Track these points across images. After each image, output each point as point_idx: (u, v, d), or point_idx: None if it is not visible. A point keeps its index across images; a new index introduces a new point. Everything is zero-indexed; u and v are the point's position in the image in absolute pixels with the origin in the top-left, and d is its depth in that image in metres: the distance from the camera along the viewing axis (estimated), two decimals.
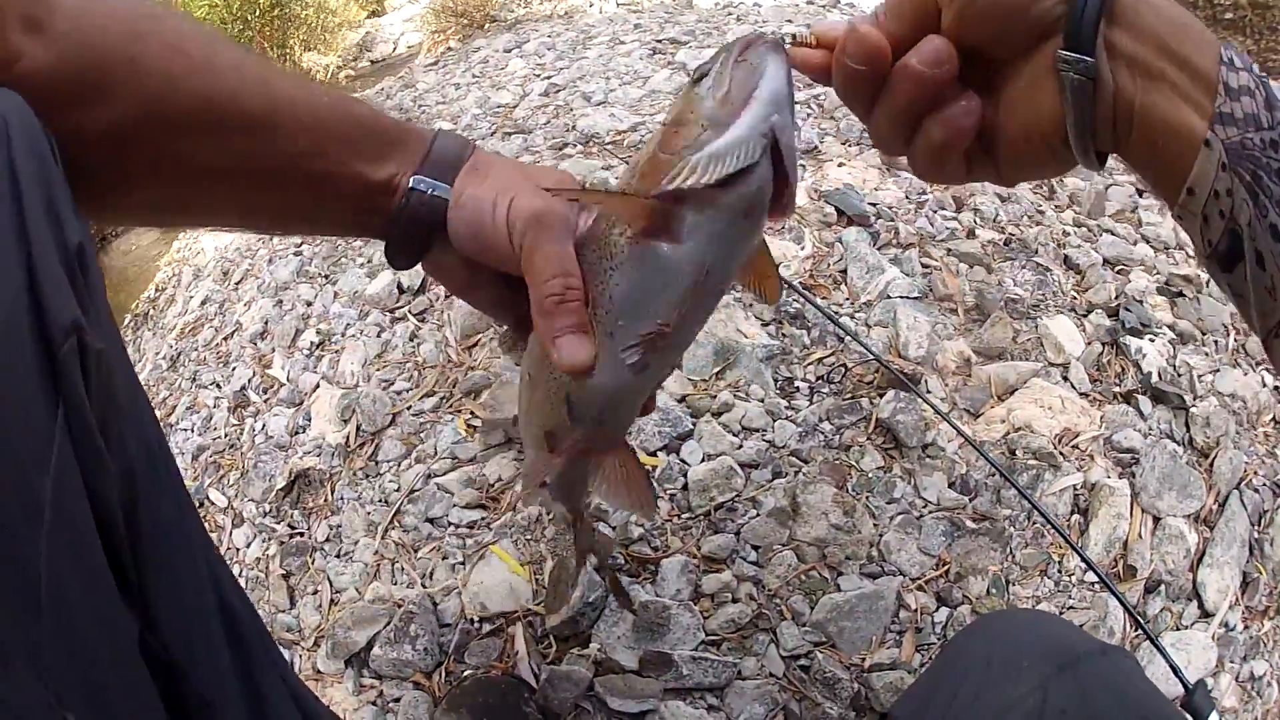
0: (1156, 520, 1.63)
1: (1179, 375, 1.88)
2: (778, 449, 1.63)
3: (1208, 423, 1.79)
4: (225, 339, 2.43)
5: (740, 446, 1.64)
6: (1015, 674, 0.90)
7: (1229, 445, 1.76)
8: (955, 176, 0.73)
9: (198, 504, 2.01)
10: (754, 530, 1.54)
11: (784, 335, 1.82)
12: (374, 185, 0.83)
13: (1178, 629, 1.54)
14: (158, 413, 2.26)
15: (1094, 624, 1.49)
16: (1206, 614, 1.57)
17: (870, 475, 1.61)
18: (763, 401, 1.71)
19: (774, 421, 1.67)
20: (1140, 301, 2.03)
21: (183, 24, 0.76)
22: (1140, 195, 2.42)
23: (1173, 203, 0.62)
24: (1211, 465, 1.74)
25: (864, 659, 1.43)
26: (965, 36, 0.64)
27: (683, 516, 1.56)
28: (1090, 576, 1.54)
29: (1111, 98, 0.61)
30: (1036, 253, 2.10)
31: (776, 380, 1.76)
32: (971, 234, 2.14)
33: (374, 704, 1.47)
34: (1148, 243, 2.27)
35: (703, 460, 1.61)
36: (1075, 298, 2.04)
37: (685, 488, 1.59)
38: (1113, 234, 2.26)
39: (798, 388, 1.75)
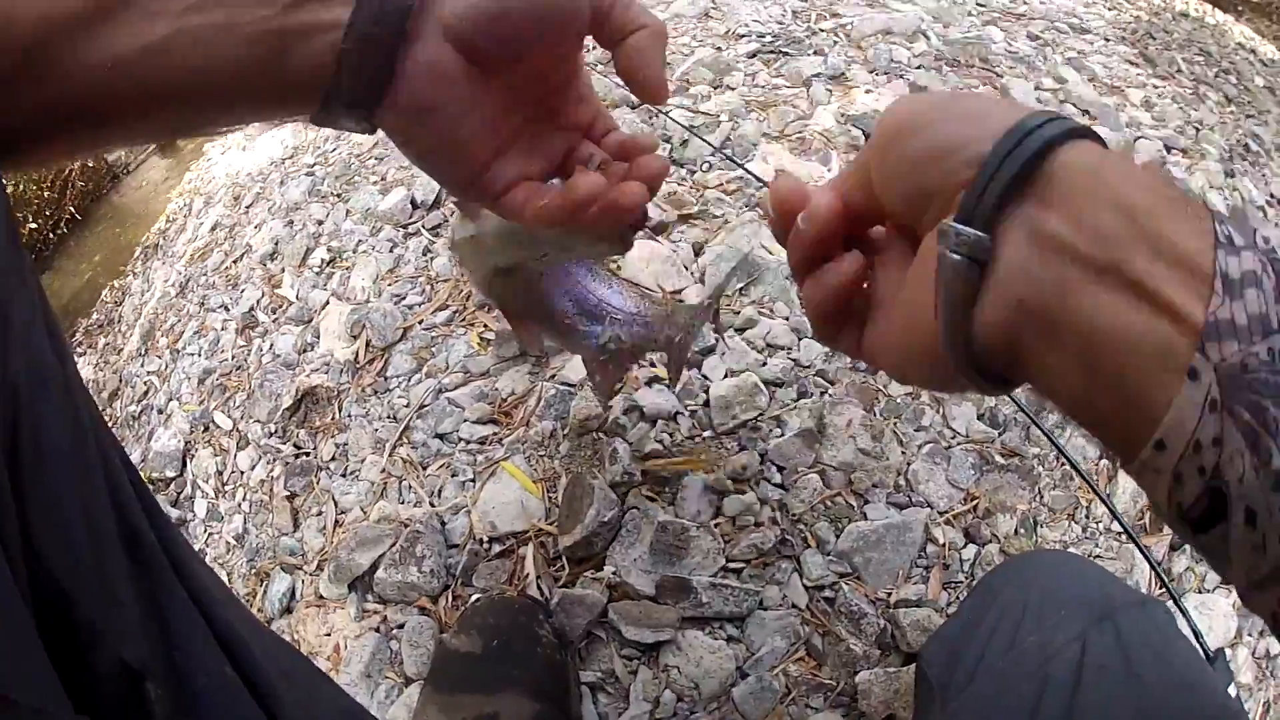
0: None
1: None
2: (803, 368, 1.53)
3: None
4: (234, 262, 2.34)
5: (765, 364, 1.53)
6: (1053, 622, 0.85)
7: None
8: (846, 347, 0.63)
9: (203, 428, 1.93)
10: (779, 451, 1.43)
11: None
12: (290, 5, 0.61)
13: (1200, 592, 1.45)
14: (165, 339, 2.19)
15: (1120, 576, 1.38)
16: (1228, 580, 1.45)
17: (898, 400, 1.50)
18: (787, 319, 1.61)
19: (799, 340, 1.57)
20: None
21: None
22: (1169, 151, 2.33)
23: (1128, 457, 0.42)
24: None
25: (890, 593, 1.33)
26: (887, 203, 0.55)
27: (705, 435, 1.45)
28: (1118, 526, 1.45)
29: (1017, 294, 0.45)
30: None
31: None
32: None
33: (377, 630, 1.39)
34: None
35: (726, 376, 1.51)
36: None
37: (707, 404, 1.49)
38: None
39: None
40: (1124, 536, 1.45)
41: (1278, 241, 0.39)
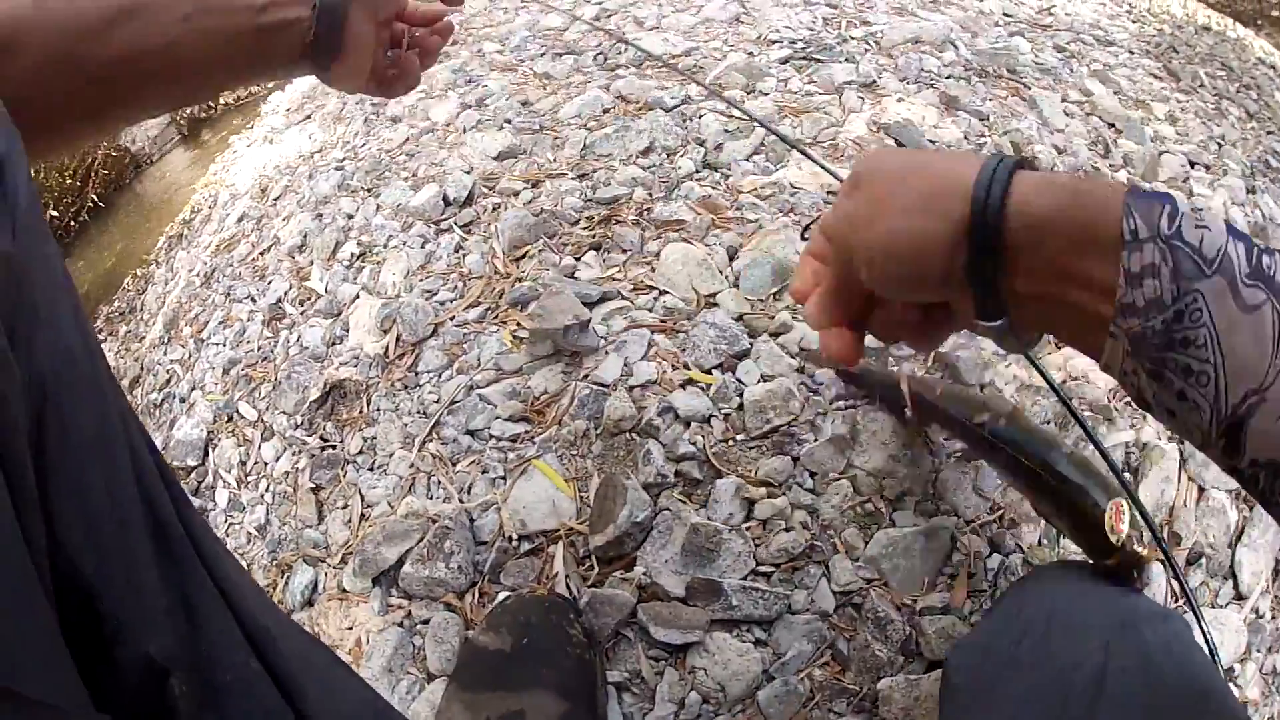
0: (1201, 490, 1.53)
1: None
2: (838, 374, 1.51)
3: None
4: (262, 253, 2.33)
5: (800, 369, 1.53)
6: (1076, 632, 0.89)
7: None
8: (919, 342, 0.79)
9: (227, 418, 1.93)
10: (811, 456, 1.43)
11: None
12: (263, 8, 0.94)
13: (1213, 606, 1.44)
14: (189, 328, 2.19)
15: (1140, 585, 1.38)
16: (1240, 596, 1.47)
17: None
18: None
19: None
20: None
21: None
22: (1193, 167, 2.32)
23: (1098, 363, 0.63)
24: None
25: (915, 600, 1.32)
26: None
27: (738, 438, 1.45)
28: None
29: (1020, 324, 0.66)
30: None
31: None
32: None
33: (401, 625, 1.39)
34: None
35: (760, 381, 1.51)
36: None
37: (741, 408, 1.48)
38: None
39: None
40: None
41: (1184, 220, 0.56)
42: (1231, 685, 1.39)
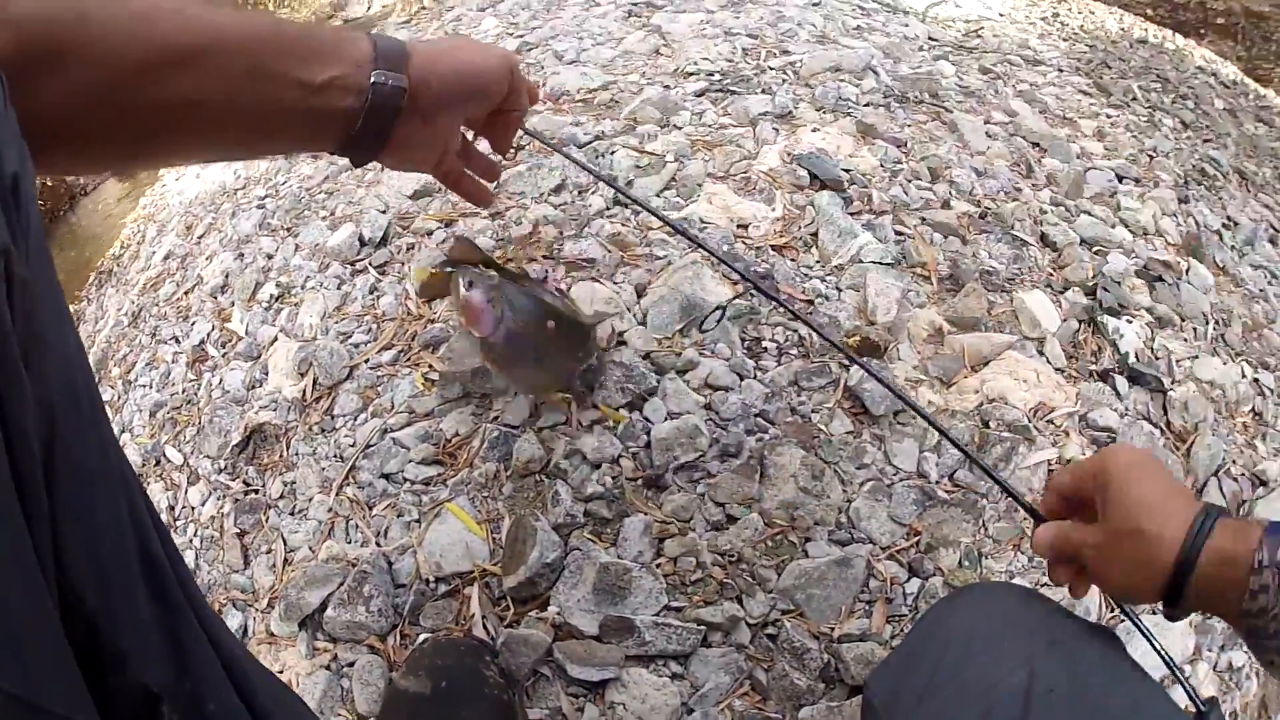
0: None
1: (1157, 358, 1.83)
2: (744, 409, 1.56)
3: (1186, 408, 1.75)
4: (186, 293, 2.34)
5: (706, 405, 1.56)
6: (998, 650, 0.90)
7: (1207, 432, 1.71)
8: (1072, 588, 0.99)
9: (154, 462, 1.94)
10: (720, 491, 1.47)
11: (751, 295, 1.74)
12: (317, 88, 0.90)
13: (1154, 613, 1.47)
14: (117, 369, 2.20)
15: (1069, 604, 1.42)
16: None
17: (837, 440, 1.54)
18: (728, 360, 1.63)
19: (740, 381, 1.60)
20: (1118, 283, 1.98)
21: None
22: (1120, 181, 2.38)
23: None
24: (1189, 450, 1.70)
25: (833, 629, 1.37)
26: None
27: (644, 475, 1.48)
28: None
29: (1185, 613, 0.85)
30: (1013, 227, 2.04)
31: (744, 340, 1.68)
32: (946, 205, 2.08)
33: (328, 668, 1.41)
34: (1126, 226, 2.22)
35: (666, 418, 1.54)
36: (1052, 274, 1.98)
37: (648, 445, 1.51)
38: (1090, 215, 2.20)
39: (765, 348, 1.68)
40: None
41: None
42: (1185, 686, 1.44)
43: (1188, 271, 2.13)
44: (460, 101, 1.06)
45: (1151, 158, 2.59)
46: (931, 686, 0.92)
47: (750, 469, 1.47)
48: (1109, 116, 2.79)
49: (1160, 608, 0.85)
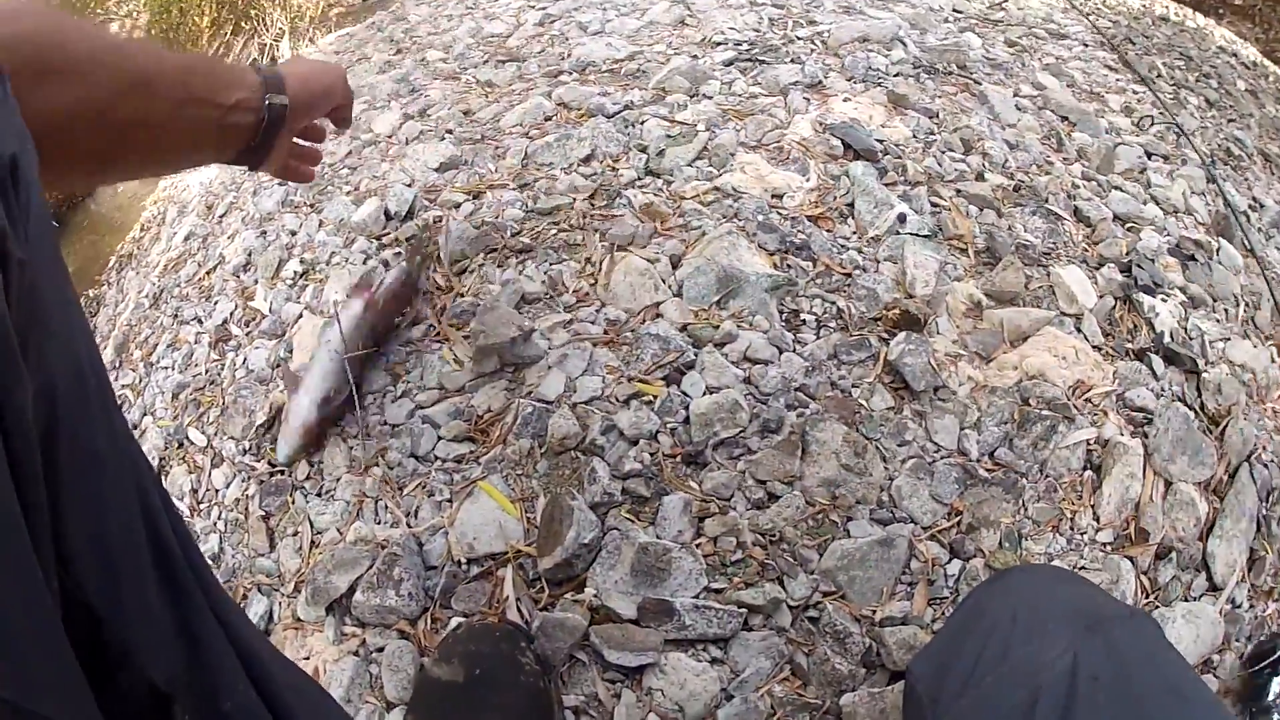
0: (1168, 485, 1.52)
1: (1190, 339, 1.77)
2: (784, 383, 1.50)
3: (1219, 390, 1.69)
4: (208, 273, 2.29)
5: (746, 379, 1.50)
6: (1042, 634, 0.87)
7: (1239, 416, 1.65)
8: None
9: (177, 444, 1.89)
10: (761, 468, 1.40)
11: (789, 266, 1.69)
12: (230, 108, 1.07)
13: (1186, 599, 1.44)
14: (139, 352, 2.15)
15: (1106, 587, 1.39)
16: (1215, 587, 1.47)
17: (878, 416, 1.48)
18: (767, 333, 1.57)
19: (779, 354, 1.54)
20: (1152, 260, 1.92)
21: (84, 20, 1.02)
22: (1149, 157, 2.32)
23: None
24: (1223, 434, 1.63)
25: (875, 611, 1.31)
26: None
27: (683, 452, 1.42)
28: (1103, 537, 1.45)
29: None
30: (1047, 201, 1.99)
31: (782, 312, 1.63)
32: (980, 176, 2.02)
33: (356, 654, 1.36)
34: (1157, 203, 2.15)
35: (705, 393, 1.48)
36: (1087, 249, 1.92)
37: (687, 421, 1.45)
38: (1122, 190, 2.14)
39: (804, 321, 1.62)
40: (1109, 547, 1.43)
41: None
42: (1211, 677, 1.39)
43: (1218, 251, 2.08)
44: (314, 111, 1.28)
45: (1179, 135, 2.52)
46: (976, 672, 0.88)
47: (791, 445, 1.41)
48: (1135, 93, 2.72)
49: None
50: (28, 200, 0.55)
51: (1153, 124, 2.52)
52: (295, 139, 1.34)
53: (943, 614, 1.32)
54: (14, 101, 0.58)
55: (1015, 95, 2.39)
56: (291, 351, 1.82)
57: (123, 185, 4.22)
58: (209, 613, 0.67)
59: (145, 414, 2.06)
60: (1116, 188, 2.15)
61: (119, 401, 2.15)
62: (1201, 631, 1.40)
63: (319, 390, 1.55)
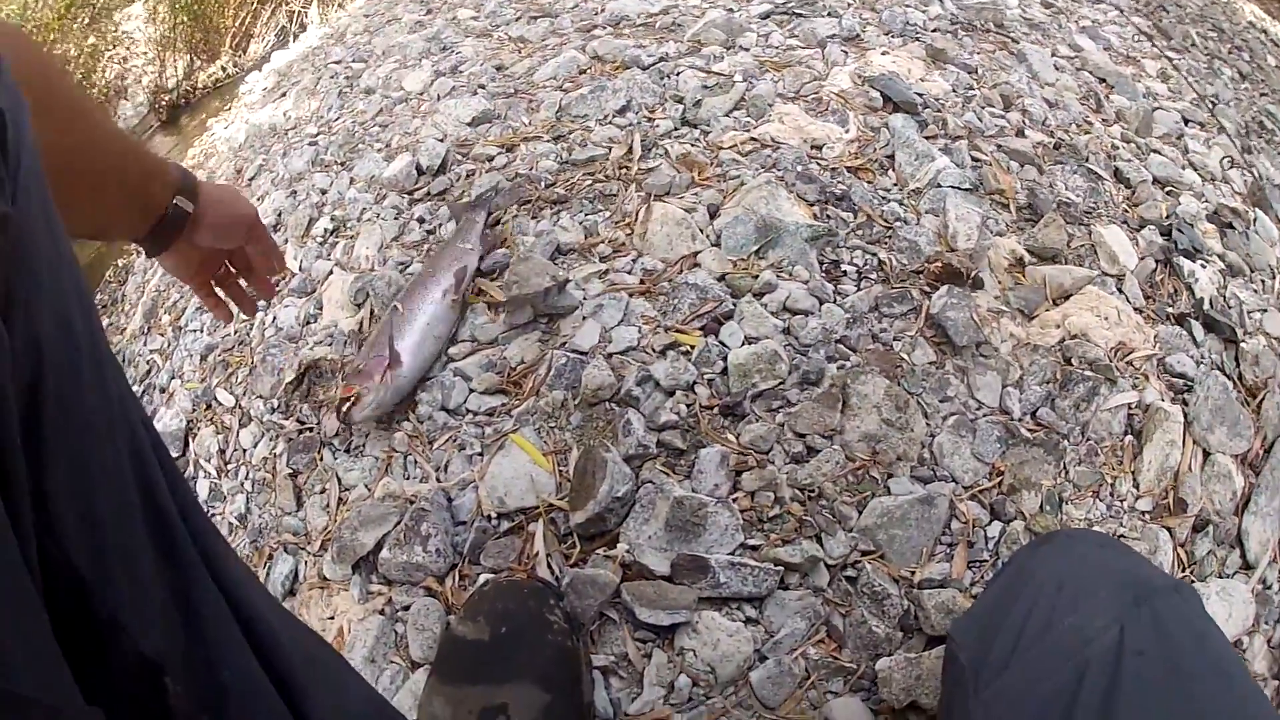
0: (1206, 455, 1.47)
1: (1229, 307, 1.71)
2: (825, 334, 1.44)
3: (1257, 361, 1.63)
4: None
5: (785, 330, 1.45)
6: (1088, 604, 0.84)
7: (1276, 389, 1.59)
8: None
9: (205, 406, 1.86)
10: (800, 421, 1.35)
11: (829, 216, 1.64)
12: (148, 197, 1.08)
13: (1221, 576, 1.39)
14: (167, 317, 2.12)
15: (1147, 555, 1.35)
16: (1248, 565, 1.42)
17: (920, 370, 1.43)
18: (807, 284, 1.52)
19: (820, 305, 1.49)
20: (1191, 225, 1.86)
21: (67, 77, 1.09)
22: (1186, 124, 2.26)
23: None
24: (1259, 406, 1.57)
25: (913, 572, 1.25)
26: None
27: (720, 403, 1.37)
28: (1142, 505, 1.40)
29: None
30: (1087, 160, 1.93)
31: (822, 263, 1.58)
32: (1020, 133, 1.97)
33: (381, 613, 1.32)
34: (1195, 170, 2.09)
35: (744, 343, 1.43)
36: (1127, 211, 1.86)
37: (724, 373, 1.40)
38: (1160, 155, 2.08)
39: (844, 272, 1.57)
40: (1148, 516, 1.39)
41: None
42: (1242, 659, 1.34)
43: (1255, 222, 2.02)
44: (222, 235, 1.24)
45: (1214, 104, 2.46)
46: (1020, 643, 0.85)
47: (832, 398, 1.36)
48: (1170, 59, 2.64)
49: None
50: (18, 156, 0.52)
51: (1189, 93, 2.44)
52: (227, 263, 1.36)
53: (982, 578, 1.27)
54: (6, 63, 0.56)
55: (1053, 55, 2.33)
56: (322, 308, 1.78)
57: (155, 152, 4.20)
58: (209, 581, 0.63)
59: (173, 378, 2.03)
60: (1155, 151, 2.09)
61: (148, 366, 2.13)
62: (1234, 610, 1.35)
63: (420, 374, 1.50)
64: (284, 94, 3.05)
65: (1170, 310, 1.67)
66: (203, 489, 1.72)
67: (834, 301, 1.50)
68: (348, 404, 1.46)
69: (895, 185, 1.76)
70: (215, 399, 1.84)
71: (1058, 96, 2.15)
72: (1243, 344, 1.64)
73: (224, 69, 4.28)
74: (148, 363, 2.19)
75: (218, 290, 1.38)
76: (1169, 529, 1.37)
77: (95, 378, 0.57)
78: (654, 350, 1.43)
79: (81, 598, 0.52)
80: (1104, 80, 2.31)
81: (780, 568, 1.22)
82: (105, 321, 2.78)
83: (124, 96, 4.47)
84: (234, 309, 1.41)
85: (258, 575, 1.48)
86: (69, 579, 0.51)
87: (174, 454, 1.81)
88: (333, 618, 1.36)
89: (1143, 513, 1.39)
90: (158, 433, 0.65)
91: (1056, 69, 2.27)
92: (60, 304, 0.55)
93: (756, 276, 1.52)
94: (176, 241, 1.17)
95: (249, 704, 0.63)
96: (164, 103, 4.19)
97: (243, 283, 1.39)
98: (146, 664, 0.55)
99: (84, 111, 0.93)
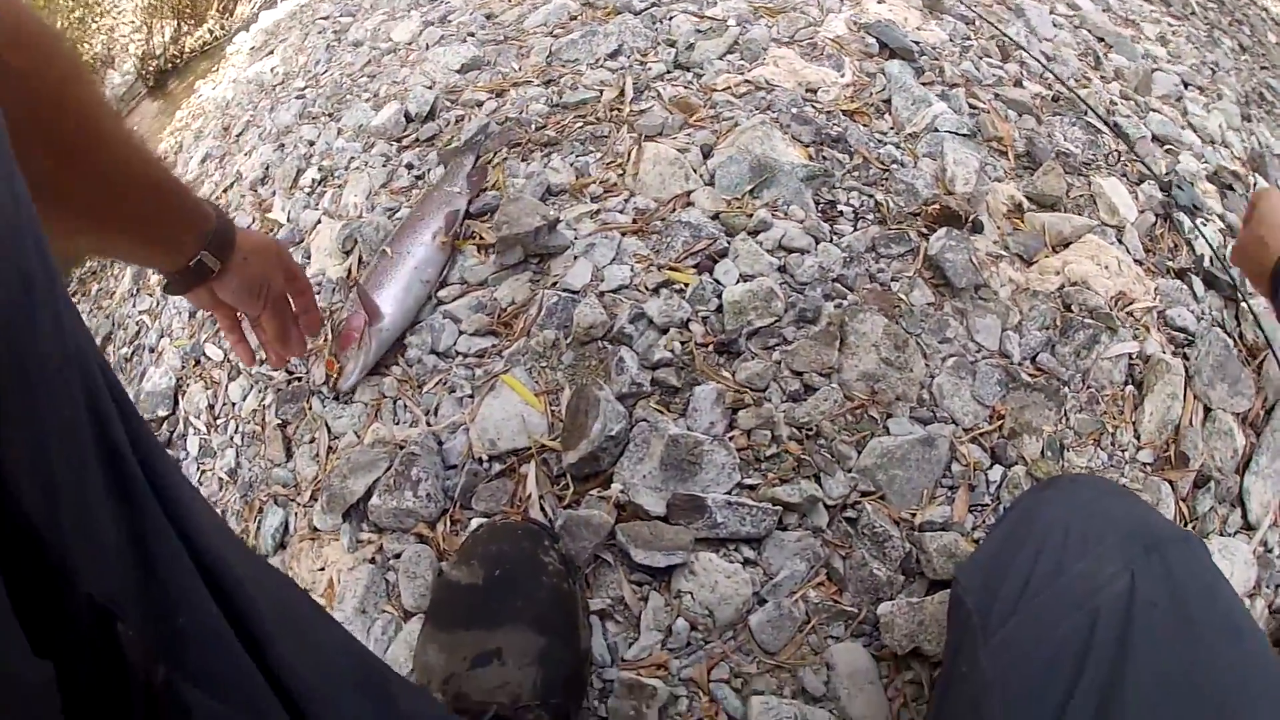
0: (1207, 411, 1.44)
1: (1229, 266, 1.67)
2: (822, 273, 1.41)
3: (1258, 322, 1.60)
4: (224, 190, 2.21)
5: (781, 268, 1.41)
6: (1097, 551, 0.84)
7: (1277, 349, 1.54)
8: None
9: (194, 362, 1.82)
10: (797, 359, 1.31)
11: (824, 158, 1.61)
12: (177, 243, 1.05)
13: (1222, 534, 1.37)
14: (155, 276, 2.11)
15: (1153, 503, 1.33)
16: (1249, 525, 1.39)
17: (919, 311, 1.40)
18: (803, 223, 1.48)
19: (816, 244, 1.45)
20: (1191, 184, 1.83)
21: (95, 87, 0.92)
22: (1186, 87, 2.23)
23: None
24: (1260, 367, 1.55)
25: (914, 514, 1.22)
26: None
27: (715, 341, 1.34)
28: (1144, 456, 1.37)
29: None
30: (1086, 113, 1.90)
31: (818, 203, 1.55)
32: (1019, 84, 1.95)
33: (372, 561, 1.28)
34: (1194, 130, 2.07)
35: (739, 280, 1.39)
36: (1127, 165, 1.83)
37: (719, 310, 1.36)
38: (1159, 114, 2.06)
39: (841, 212, 1.54)
40: (1149, 468, 1.36)
41: None
42: None
43: (1254, 185, 2.00)
44: (239, 296, 1.18)
45: (1214, 71, 2.45)
46: (1028, 589, 0.85)
47: (829, 336, 1.32)
48: (1170, 25, 2.61)
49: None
50: None
51: (1189, 58, 2.42)
52: (270, 309, 1.28)
53: (983, 522, 1.24)
54: None
55: (1051, 11, 2.30)
56: (310, 257, 1.74)
57: (142, 120, 4.14)
58: (164, 525, 0.60)
59: (162, 336, 1.99)
60: (1154, 110, 2.07)
61: (137, 328, 2.10)
62: (1235, 570, 1.32)
63: (407, 320, 1.46)
64: (271, 51, 2.99)
65: (1170, 264, 1.64)
66: (193, 445, 1.68)
67: (830, 241, 1.47)
68: (333, 378, 1.44)
69: (892, 129, 1.73)
70: (204, 354, 1.81)
71: (1056, 51, 2.13)
72: (1243, 303, 1.63)
73: (211, 32, 4.20)
74: (137, 324, 2.15)
75: (245, 328, 1.33)
76: (1171, 482, 1.35)
77: (51, 323, 0.54)
78: (647, 288, 1.39)
79: (31, 543, 0.49)
80: (1102, 39, 2.29)
81: (779, 508, 1.18)
82: (95, 288, 2.73)
83: (111, 66, 4.41)
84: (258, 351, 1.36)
85: (229, 525, 1.46)
86: (17, 525, 0.48)
87: (164, 413, 1.79)
88: (323, 569, 1.32)
89: (1144, 464, 1.36)
90: (114, 375, 0.62)
91: (1055, 25, 2.24)
92: (15, 254, 0.52)
93: (751, 215, 1.48)
94: (197, 289, 1.13)
95: (208, 650, 0.60)
96: (151, 69, 4.12)
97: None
98: (98, 609, 0.52)
99: (118, 143, 0.89)
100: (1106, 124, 1.90)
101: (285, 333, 1.28)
